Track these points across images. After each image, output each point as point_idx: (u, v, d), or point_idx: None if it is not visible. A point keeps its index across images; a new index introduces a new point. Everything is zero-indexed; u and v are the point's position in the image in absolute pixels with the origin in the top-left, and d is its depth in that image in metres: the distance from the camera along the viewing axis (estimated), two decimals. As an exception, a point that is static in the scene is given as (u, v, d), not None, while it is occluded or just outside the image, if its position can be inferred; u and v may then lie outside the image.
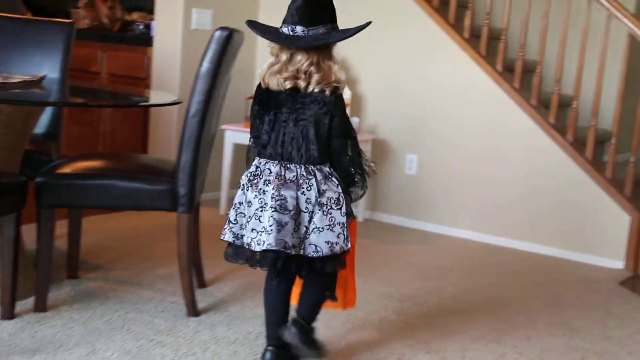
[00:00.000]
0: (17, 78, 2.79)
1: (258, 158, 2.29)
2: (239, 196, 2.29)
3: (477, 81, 4.24)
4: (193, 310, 2.78)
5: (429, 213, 4.42)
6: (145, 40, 4.66)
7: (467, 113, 4.28)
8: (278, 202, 2.18)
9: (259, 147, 2.29)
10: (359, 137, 2.56)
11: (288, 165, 2.23)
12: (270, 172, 2.23)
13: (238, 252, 2.31)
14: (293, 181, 2.21)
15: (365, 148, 4.37)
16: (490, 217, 4.25)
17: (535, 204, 4.12)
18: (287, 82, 2.22)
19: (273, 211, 2.18)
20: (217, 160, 4.40)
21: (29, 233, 2.96)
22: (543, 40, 4.13)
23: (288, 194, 2.19)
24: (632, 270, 3.84)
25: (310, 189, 2.21)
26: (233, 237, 2.29)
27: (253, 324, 2.75)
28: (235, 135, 4.32)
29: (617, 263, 3.90)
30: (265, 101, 2.27)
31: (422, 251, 3.97)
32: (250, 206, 2.24)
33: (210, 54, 2.66)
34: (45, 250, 2.63)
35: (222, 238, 2.31)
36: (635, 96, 4.13)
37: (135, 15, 5.12)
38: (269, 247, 2.17)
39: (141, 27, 4.92)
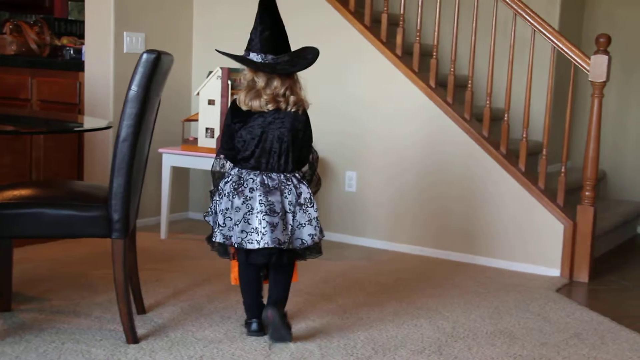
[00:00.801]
0: (-61, 107, 2.71)
1: (238, 169, 2.72)
2: (224, 203, 2.70)
3: (411, 97, 4.30)
4: (132, 337, 2.72)
5: (370, 229, 4.44)
6: (76, 65, 4.59)
7: (403, 129, 4.34)
8: (267, 207, 2.64)
9: (240, 160, 2.71)
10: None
11: (270, 175, 2.70)
12: (254, 181, 2.68)
13: (227, 251, 2.80)
14: (276, 188, 2.68)
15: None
16: (429, 230, 4.30)
17: (472, 215, 4.19)
18: (269, 105, 2.68)
19: (264, 215, 2.63)
20: (155, 184, 4.36)
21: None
22: (473, 56, 4.22)
23: (274, 199, 2.66)
24: (567, 278, 3.94)
25: (290, 193, 2.69)
26: (223, 238, 2.72)
27: (195, 347, 2.71)
28: (173, 158, 4.28)
29: (553, 271, 3.99)
30: (248, 121, 2.69)
31: (363, 267, 3.98)
32: (238, 211, 2.67)
33: (137, 78, 2.62)
34: (-26, 284, 2.54)
35: (214, 239, 2.73)
36: (563, 108, 4.25)
37: (65, 40, 5.04)
38: (265, 245, 2.62)
39: (71, 52, 4.85)
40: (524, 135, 4.11)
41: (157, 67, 2.67)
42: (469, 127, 4.18)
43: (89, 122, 3.60)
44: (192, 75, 4.87)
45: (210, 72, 4.19)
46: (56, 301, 3.13)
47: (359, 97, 4.44)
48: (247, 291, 2.84)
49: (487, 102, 4.20)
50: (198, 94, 4.21)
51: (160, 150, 4.27)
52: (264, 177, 2.69)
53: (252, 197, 2.66)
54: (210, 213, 2.80)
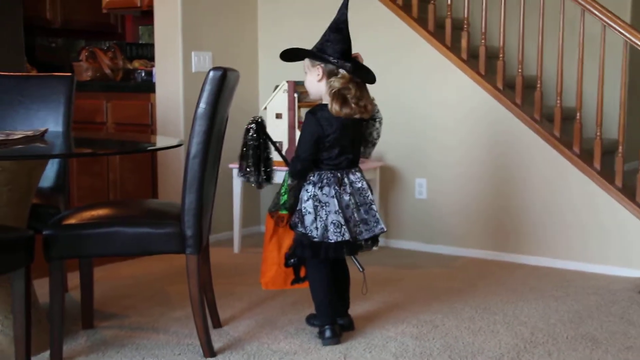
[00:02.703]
0: (19, 134, 2.83)
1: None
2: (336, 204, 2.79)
3: (478, 100, 4.25)
4: (209, 351, 2.76)
5: (443, 236, 4.39)
6: (148, 86, 4.72)
7: (472, 133, 4.28)
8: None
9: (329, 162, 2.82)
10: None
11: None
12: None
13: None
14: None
15: (374, 175, 4.38)
16: (503, 234, 4.22)
17: (548, 218, 4.09)
18: (357, 115, 2.76)
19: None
20: (227, 200, 4.43)
21: (43, 287, 2.98)
22: (541, 55, 4.13)
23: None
24: (651, 278, 3.80)
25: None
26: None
27: (270, 360, 2.74)
28: (243, 173, 4.33)
29: (636, 272, 3.85)
30: (344, 130, 2.78)
31: (436, 274, 3.94)
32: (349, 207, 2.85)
33: (205, 95, 2.68)
34: (56, 302, 2.64)
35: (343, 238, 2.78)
36: (638, 103, 4.11)
37: (136, 64, 5.20)
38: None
39: (143, 74, 5.00)
40: (598, 134, 3.99)
41: (223, 83, 2.72)
42: (540, 128, 4.09)
43: (161, 142, 3.69)
44: (259, 90, 4.94)
45: (276, 87, 4.23)
46: (135, 317, 3.21)
47: (426, 104, 4.41)
48: (325, 290, 2.90)
49: (558, 101, 4.10)
50: (265, 108, 4.27)
51: (231, 165, 4.34)
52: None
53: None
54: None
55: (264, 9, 4.91)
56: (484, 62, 4.28)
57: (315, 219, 2.78)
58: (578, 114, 4.06)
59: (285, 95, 4.16)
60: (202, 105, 2.69)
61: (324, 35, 2.78)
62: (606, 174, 3.98)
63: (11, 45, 5.70)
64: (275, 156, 3.00)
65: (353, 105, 2.74)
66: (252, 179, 2.93)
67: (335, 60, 2.73)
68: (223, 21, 4.71)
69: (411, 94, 4.43)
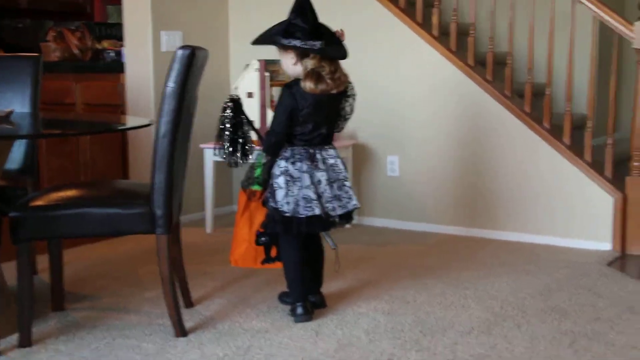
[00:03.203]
0: (-17, 115, 2.79)
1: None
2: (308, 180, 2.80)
3: (450, 77, 4.25)
4: (180, 331, 2.76)
5: (415, 213, 4.42)
6: (117, 67, 4.66)
7: (443, 110, 4.30)
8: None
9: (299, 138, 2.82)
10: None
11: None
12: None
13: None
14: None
15: (346, 153, 4.38)
16: (474, 210, 4.25)
17: (518, 193, 4.12)
18: (333, 90, 2.80)
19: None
20: (199, 180, 4.41)
21: (12, 270, 2.94)
22: (511, 32, 4.14)
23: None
24: (619, 251, 3.85)
25: None
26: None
27: (242, 338, 2.74)
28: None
29: (604, 245, 3.90)
30: (317, 105, 2.79)
31: (409, 251, 3.96)
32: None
33: (173, 74, 2.65)
34: (25, 284, 2.61)
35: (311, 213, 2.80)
36: (607, 79, 4.14)
37: (105, 44, 5.13)
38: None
39: (112, 54, 4.93)
40: (568, 108, 4.03)
41: (192, 62, 2.69)
42: (510, 104, 4.12)
43: (130, 122, 3.65)
44: (230, 69, 4.90)
45: (247, 65, 4.21)
46: (106, 299, 3.20)
47: (397, 82, 4.41)
48: (296, 269, 2.90)
49: (528, 77, 4.12)
50: (236, 87, 4.24)
51: (202, 145, 4.32)
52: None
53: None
54: None
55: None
56: (455, 39, 4.29)
57: (287, 194, 2.79)
58: (548, 90, 4.08)
59: (257, 74, 4.13)
60: (171, 84, 2.67)
61: (289, 17, 2.77)
62: (575, 149, 4.02)
63: (-23, 26, 5.61)
64: (252, 135, 2.99)
65: (329, 81, 2.77)
66: (227, 157, 2.93)
67: (304, 43, 2.74)
68: (193, 0, 4.66)
69: (382, 72, 4.43)
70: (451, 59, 4.25)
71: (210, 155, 4.33)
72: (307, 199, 2.78)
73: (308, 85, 2.76)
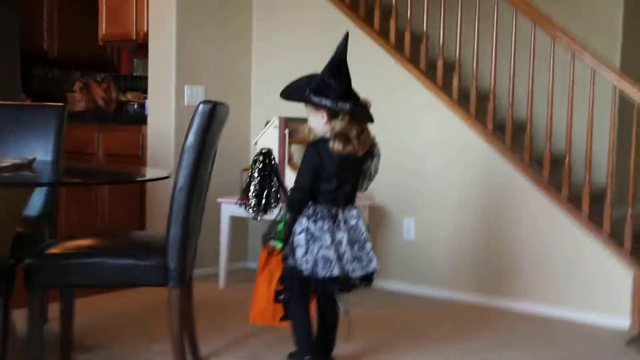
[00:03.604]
0: (6, 162, 2.82)
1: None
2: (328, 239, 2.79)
3: (469, 142, 4.26)
4: (188, 387, 2.72)
5: (430, 277, 4.37)
6: (140, 118, 4.73)
7: (461, 174, 4.29)
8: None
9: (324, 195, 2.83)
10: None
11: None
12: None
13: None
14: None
15: (363, 214, 4.35)
16: (491, 277, 4.20)
17: (536, 262, 4.07)
18: (360, 152, 2.84)
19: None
20: (214, 234, 4.40)
21: (23, 317, 2.93)
22: (531, 98, 4.16)
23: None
24: (637, 329, 3.75)
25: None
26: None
27: (249, 397, 2.69)
28: (232, 207, 4.31)
29: (623, 320, 3.81)
30: (342, 164, 2.81)
31: (423, 316, 3.91)
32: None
33: (194, 128, 2.68)
34: (35, 332, 2.60)
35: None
36: (627, 148, 4.13)
37: (129, 96, 5.22)
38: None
39: (135, 106, 5.01)
40: (587, 178, 4.00)
41: (212, 117, 2.73)
42: (529, 171, 4.10)
43: (150, 173, 3.68)
44: (250, 125, 4.95)
45: (267, 122, 4.25)
46: (115, 350, 3.17)
47: (416, 144, 4.42)
48: (304, 325, 2.87)
49: (547, 144, 4.12)
50: (256, 143, 4.27)
51: (219, 199, 4.33)
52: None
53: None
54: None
55: (258, 45, 4.95)
56: (475, 104, 4.31)
57: (306, 252, 2.77)
58: (567, 158, 4.07)
59: (276, 131, 4.17)
60: (191, 138, 2.70)
61: (323, 75, 2.79)
62: (594, 219, 3.98)
63: (8, 75, 5.73)
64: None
65: (355, 142, 2.80)
66: (251, 210, 2.95)
67: (335, 104, 2.76)
68: (217, 55, 4.75)
69: (401, 133, 4.45)
70: (470, 124, 4.26)
71: (227, 210, 4.34)
72: (327, 259, 2.76)
73: (336, 146, 2.78)
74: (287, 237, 2.86)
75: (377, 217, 4.52)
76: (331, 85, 2.77)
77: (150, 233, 3.23)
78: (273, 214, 2.98)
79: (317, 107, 2.80)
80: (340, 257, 2.78)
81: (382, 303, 4.11)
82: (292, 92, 2.87)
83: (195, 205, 2.81)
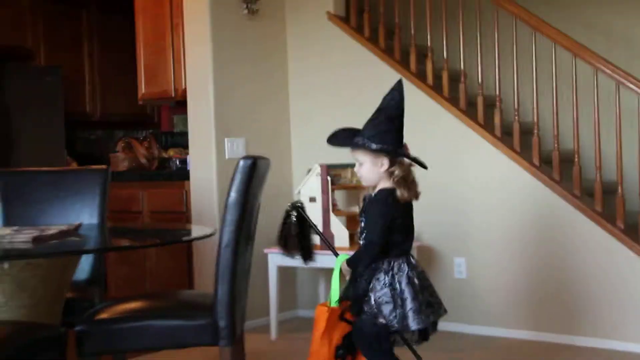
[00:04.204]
0: (53, 229, 2.84)
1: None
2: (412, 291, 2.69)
3: (515, 177, 4.18)
4: None
5: (483, 316, 4.26)
6: (182, 174, 4.76)
7: (510, 210, 4.20)
8: None
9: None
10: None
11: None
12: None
13: None
14: None
15: (411, 257, 4.29)
16: (547, 314, 4.07)
17: (594, 296, 3.94)
18: (416, 198, 2.77)
19: None
20: (263, 285, 4.37)
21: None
22: (577, 129, 4.07)
23: None
24: None
25: None
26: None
27: None
28: (279, 258, 4.26)
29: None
30: (408, 212, 2.77)
31: (479, 357, 3.79)
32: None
33: (235, 184, 2.67)
34: (89, 401, 2.58)
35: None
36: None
37: (171, 152, 5.26)
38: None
39: (177, 162, 5.05)
40: (641, 207, 3.88)
41: (253, 172, 2.71)
42: (580, 204, 3.99)
43: (195, 231, 3.67)
44: (292, 173, 4.94)
45: (309, 170, 4.23)
46: (170, 412, 3.14)
47: (460, 182, 4.36)
48: None
49: (597, 175, 4.01)
50: (299, 192, 4.25)
51: (266, 250, 4.30)
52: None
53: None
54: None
55: (295, 104, 4.95)
56: (519, 139, 4.24)
57: (395, 308, 2.67)
58: (619, 188, 3.95)
59: (319, 179, 4.14)
60: (233, 194, 2.68)
61: (380, 122, 2.72)
62: (652, 249, 3.85)
63: (52, 139, 5.86)
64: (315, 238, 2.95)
65: (413, 188, 2.75)
66: (295, 256, 2.90)
67: (395, 150, 2.71)
68: (256, 107, 4.77)
69: (446, 172, 4.39)
70: (515, 159, 4.18)
71: (274, 260, 4.31)
72: (416, 311, 2.66)
73: (404, 193, 2.71)
74: (358, 296, 2.71)
75: (426, 257, 4.44)
76: (391, 131, 2.71)
77: (198, 292, 3.21)
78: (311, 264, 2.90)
79: (377, 153, 2.72)
80: (425, 307, 2.70)
81: (435, 346, 4.00)
82: (342, 139, 2.79)
83: (242, 260, 2.78)
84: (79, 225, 3.00)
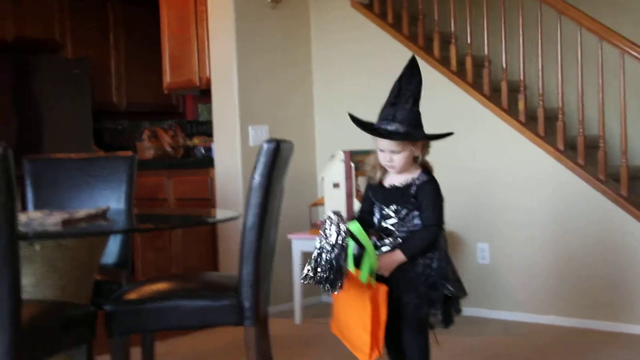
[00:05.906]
0: (81, 213, 2.90)
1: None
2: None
3: (540, 162, 4.17)
4: None
5: (506, 301, 4.26)
6: (207, 162, 4.81)
7: (534, 195, 4.19)
8: None
9: None
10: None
11: None
12: None
13: None
14: None
15: (434, 243, 4.30)
16: (571, 299, 4.06)
17: (617, 281, 3.93)
18: None
19: None
20: (287, 270, 4.41)
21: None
22: (602, 114, 4.05)
23: None
24: None
25: None
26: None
27: None
28: (303, 243, 4.32)
29: None
30: None
31: (502, 341, 3.80)
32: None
33: (259, 167, 2.70)
34: (117, 378, 2.64)
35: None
36: None
37: (196, 140, 5.32)
38: None
39: (202, 150, 5.10)
40: (667, 191, 3.86)
41: (277, 155, 2.74)
42: (606, 188, 3.97)
43: (219, 215, 3.73)
44: (316, 160, 4.97)
45: (332, 156, 4.26)
46: (197, 392, 3.19)
47: (485, 167, 4.35)
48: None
49: (623, 160, 3.99)
50: (323, 178, 4.28)
51: (290, 235, 4.34)
52: None
53: None
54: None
55: (318, 80, 4.99)
56: (543, 124, 4.22)
57: (448, 277, 2.71)
58: (644, 172, 3.94)
59: (342, 165, 4.17)
60: (257, 177, 2.71)
61: (412, 107, 2.63)
62: (678, 233, 3.82)
63: (80, 129, 5.96)
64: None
65: None
66: (324, 284, 2.53)
67: (436, 135, 2.68)
68: (279, 95, 4.80)
69: (469, 158, 4.39)
70: (539, 144, 4.17)
71: (298, 245, 4.35)
72: (460, 280, 2.78)
73: (434, 176, 2.71)
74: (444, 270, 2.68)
75: (450, 242, 4.41)
76: (420, 115, 2.66)
77: (223, 273, 3.26)
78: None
79: (415, 139, 2.63)
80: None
81: (459, 330, 4.02)
82: (385, 131, 2.63)
83: (266, 242, 2.82)
84: (107, 209, 3.06)
